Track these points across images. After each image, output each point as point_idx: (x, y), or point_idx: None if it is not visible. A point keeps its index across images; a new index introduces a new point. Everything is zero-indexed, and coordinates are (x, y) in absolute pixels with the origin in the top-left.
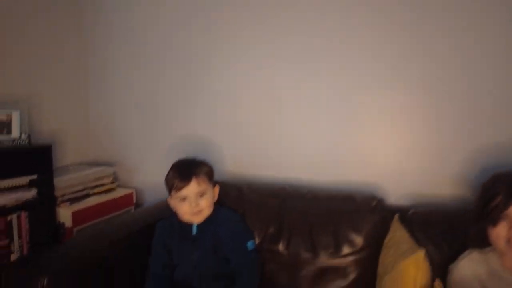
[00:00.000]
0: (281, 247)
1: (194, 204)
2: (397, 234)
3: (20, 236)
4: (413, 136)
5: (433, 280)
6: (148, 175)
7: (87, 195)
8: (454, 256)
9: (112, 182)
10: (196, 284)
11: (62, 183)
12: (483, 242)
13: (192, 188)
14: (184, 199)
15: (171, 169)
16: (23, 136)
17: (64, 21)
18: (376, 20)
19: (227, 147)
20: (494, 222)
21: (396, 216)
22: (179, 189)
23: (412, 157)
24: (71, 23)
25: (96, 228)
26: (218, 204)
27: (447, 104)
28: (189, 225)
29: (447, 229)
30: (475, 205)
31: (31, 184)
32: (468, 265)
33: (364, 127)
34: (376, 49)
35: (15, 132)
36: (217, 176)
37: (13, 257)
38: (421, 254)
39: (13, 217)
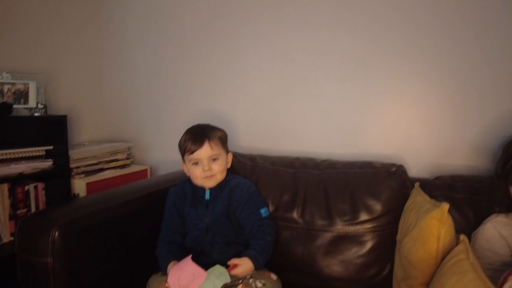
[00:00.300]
0: (295, 214)
1: (207, 167)
2: (418, 198)
3: (37, 207)
4: (434, 105)
5: (457, 238)
6: (162, 153)
7: (102, 169)
8: (479, 223)
9: (127, 158)
10: (208, 250)
11: (77, 155)
12: (508, 206)
13: (205, 151)
14: (196, 162)
15: (184, 133)
16: (39, 106)
17: (80, 7)
18: None
19: (241, 123)
20: None
21: (417, 184)
22: (192, 152)
23: (433, 127)
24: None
25: (110, 190)
26: (231, 172)
27: (468, 72)
28: (202, 190)
29: (472, 195)
30: (496, 167)
31: (47, 155)
32: (494, 228)
33: (383, 97)
34: (393, 16)
35: (32, 102)
36: (231, 150)
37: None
38: (445, 207)
39: (30, 187)
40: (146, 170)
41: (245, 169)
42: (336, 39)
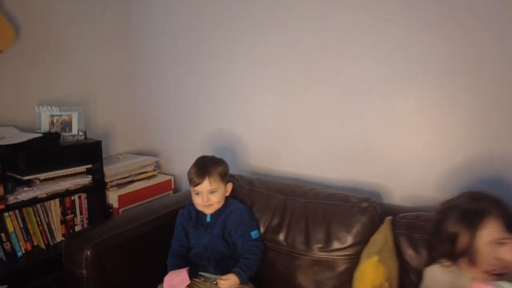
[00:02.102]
0: (281, 237)
1: (206, 199)
2: (380, 235)
3: (81, 213)
4: (415, 139)
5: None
6: (185, 164)
7: (132, 181)
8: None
9: (154, 170)
10: (206, 263)
11: (111, 171)
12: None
13: (205, 186)
14: (197, 193)
15: (192, 165)
16: (79, 133)
17: (114, 32)
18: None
19: (251, 144)
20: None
21: (389, 219)
22: (195, 185)
23: (414, 159)
24: (120, 34)
25: (135, 210)
26: (231, 197)
27: (451, 110)
28: (204, 214)
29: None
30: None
31: (87, 172)
32: (438, 271)
33: (371, 129)
34: (378, 52)
35: (75, 130)
36: (240, 169)
37: (77, 228)
38: (374, 259)
39: (76, 197)
40: (170, 180)
41: (243, 192)
42: (328, 75)
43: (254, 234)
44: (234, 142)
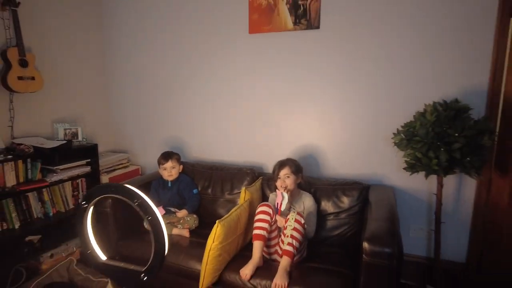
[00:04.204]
0: (209, 191)
1: (169, 171)
2: (254, 184)
3: (82, 191)
4: (282, 139)
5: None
6: (148, 158)
7: (114, 169)
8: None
9: (127, 162)
10: (169, 207)
11: (103, 163)
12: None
13: (168, 164)
14: (164, 169)
15: (160, 155)
16: (83, 140)
17: (94, 73)
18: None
19: (193, 143)
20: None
21: (260, 177)
22: (162, 164)
23: (280, 149)
24: (99, 74)
25: (122, 182)
26: (182, 173)
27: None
28: (167, 182)
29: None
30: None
31: (87, 164)
32: (271, 195)
33: (260, 134)
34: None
35: (80, 138)
36: (187, 158)
37: (80, 201)
38: (243, 189)
39: (79, 181)
40: (138, 169)
41: (189, 170)
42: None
43: (195, 191)
44: (182, 142)
